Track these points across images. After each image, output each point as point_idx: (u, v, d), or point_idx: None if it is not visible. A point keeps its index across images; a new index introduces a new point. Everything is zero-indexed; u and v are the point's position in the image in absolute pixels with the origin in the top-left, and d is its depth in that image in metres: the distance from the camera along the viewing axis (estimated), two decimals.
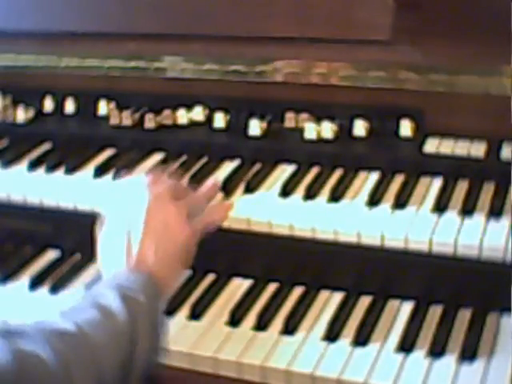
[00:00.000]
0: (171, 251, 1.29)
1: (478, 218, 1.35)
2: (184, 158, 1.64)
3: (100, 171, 1.61)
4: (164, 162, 1.63)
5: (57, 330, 1.11)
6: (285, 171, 1.56)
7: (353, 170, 1.52)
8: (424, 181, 1.48)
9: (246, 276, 1.50)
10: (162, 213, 1.31)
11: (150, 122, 1.70)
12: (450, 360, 1.25)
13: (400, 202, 1.40)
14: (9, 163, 1.70)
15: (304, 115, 1.61)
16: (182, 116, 1.70)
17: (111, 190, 1.48)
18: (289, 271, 1.47)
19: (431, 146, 1.52)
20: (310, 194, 1.45)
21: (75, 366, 1.07)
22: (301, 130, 1.59)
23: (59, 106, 1.82)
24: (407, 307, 1.39)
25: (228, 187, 1.50)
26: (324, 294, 1.44)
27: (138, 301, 1.18)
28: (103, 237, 1.33)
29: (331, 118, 1.58)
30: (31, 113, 1.82)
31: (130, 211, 1.32)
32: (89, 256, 1.55)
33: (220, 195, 1.48)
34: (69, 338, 1.10)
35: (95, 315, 1.15)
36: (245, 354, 1.30)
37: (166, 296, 1.27)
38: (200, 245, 1.40)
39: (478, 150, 1.49)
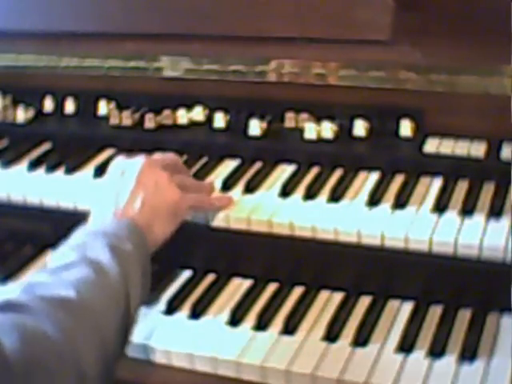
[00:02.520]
0: (158, 206, 1.31)
1: (478, 218, 1.35)
2: (184, 158, 1.64)
3: (100, 171, 1.61)
4: None
5: (56, 298, 1.11)
6: (285, 171, 1.56)
7: (353, 170, 1.52)
8: (424, 181, 1.48)
9: (245, 276, 1.49)
10: (153, 174, 1.34)
11: (149, 121, 1.70)
12: (449, 360, 1.25)
13: (400, 202, 1.40)
14: (9, 163, 1.70)
15: (304, 115, 1.61)
16: (182, 116, 1.70)
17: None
18: (289, 271, 1.47)
19: (431, 146, 1.52)
20: (310, 194, 1.46)
21: (80, 338, 1.08)
22: (301, 130, 1.59)
23: (59, 106, 1.82)
24: (407, 307, 1.39)
25: (228, 187, 1.50)
26: (324, 294, 1.44)
27: (126, 250, 1.20)
28: (97, 196, 1.36)
29: (331, 118, 1.58)
30: (31, 113, 1.82)
31: (124, 174, 1.34)
32: None
33: (220, 195, 1.48)
34: (70, 309, 1.10)
35: (89, 274, 1.15)
36: (245, 354, 1.30)
37: (152, 247, 1.28)
38: (200, 245, 1.41)
39: (477, 149, 1.49)
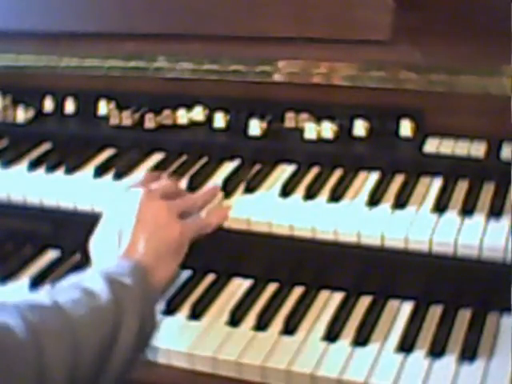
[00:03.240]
0: (161, 246, 1.29)
1: (478, 217, 1.35)
2: (184, 158, 1.64)
3: (100, 171, 1.61)
4: (164, 162, 1.63)
5: (31, 302, 1.11)
6: (285, 171, 1.56)
7: (353, 170, 1.52)
8: (424, 181, 1.48)
9: (246, 276, 1.49)
10: (152, 209, 1.32)
11: (150, 121, 1.70)
12: (449, 360, 1.25)
13: (400, 202, 1.40)
14: (9, 163, 1.70)
15: (304, 115, 1.61)
16: (182, 116, 1.70)
17: (110, 192, 1.49)
18: (289, 271, 1.47)
19: (431, 146, 1.52)
20: (310, 194, 1.45)
21: (47, 336, 1.06)
22: (301, 130, 1.59)
23: (59, 106, 1.82)
24: (407, 307, 1.39)
25: (228, 187, 1.50)
26: (324, 294, 1.44)
27: (124, 283, 1.17)
28: (95, 236, 1.34)
29: (331, 118, 1.58)
30: (31, 113, 1.82)
31: (122, 210, 1.32)
32: (89, 256, 1.55)
33: (220, 195, 1.48)
34: (42, 310, 1.09)
35: (76, 294, 1.14)
36: (245, 354, 1.30)
37: (156, 287, 1.25)
38: (200, 245, 1.41)
39: (477, 149, 1.49)
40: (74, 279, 1.21)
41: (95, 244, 1.33)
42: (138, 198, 1.33)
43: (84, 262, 1.58)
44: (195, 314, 1.40)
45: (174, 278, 1.33)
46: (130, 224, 1.29)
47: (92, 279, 1.18)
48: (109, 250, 1.29)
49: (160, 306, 1.43)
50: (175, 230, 1.31)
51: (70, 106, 1.81)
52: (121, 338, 1.14)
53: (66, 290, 1.16)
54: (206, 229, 1.40)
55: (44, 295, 1.14)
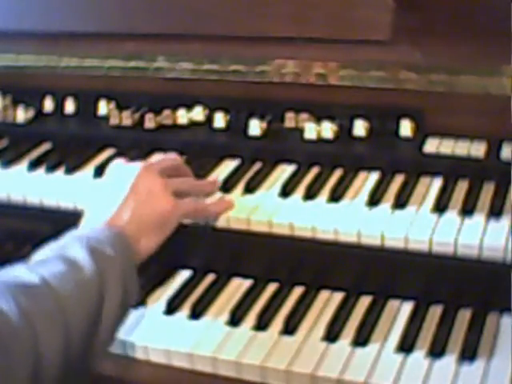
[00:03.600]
0: (147, 218, 1.30)
1: (478, 218, 1.35)
2: (184, 158, 1.64)
3: (100, 171, 1.61)
4: None
5: (21, 283, 1.11)
6: (285, 171, 1.56)
7: (353, 170, 1.52)
8: (424, 181, 1.48)
9: (246, 276, 1.49)
10: (147, 181, 1.33)
11: (150, 121, 1.70)
12: (449, 360, 1.25)
13: (400, 202, 1.40)
14: (9, 163, 1.70)
15: (304, 115, 1.61)
16: (182, 116, 1.70)
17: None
18: (289, 271, 1.47)
19: (431, 146, 1.52)
20: (310, 194, 1.46)
21: (40, 321, 1.07)
22: (301, 130, 1.59)
23: (59, 106, 1.82)
24: (407, 307, 1.39)
25: (228, 187, 1.50)
26: (324, 294, 1.44)
27: (107, 254, 1.19)
28: (92, 200, 1.36)
29: (331, 118, 1.58)
30: (31, 113, 1.82)
31: (119, 180, 1.34)
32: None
33: (220, 195, 1.48)
34: (33, 291, 1.10)
35: (61, 267, 1.15)
36: (245, 354, 1.30)
37: (137, 258, 1.27)
38: (200, 245, 1.41)
39: (477, 149, 1.49)
40: (55, 246, 1.21)
41: (89, 207, 1.35)
42: (137, 170, 1.34)
43: None
44: (195, 314, 1.40)
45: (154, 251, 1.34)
46: (122, 193, 1.31)
47: (74, 248, 1.19)
48: (97, 214, 1.31)
49: (160, 305, 1.44)
50: (165, 205, 1.32)
51: (69, 106, 1.81)
52: (105, 310, 1.16)
53: (50, 263, 1.16)
54: (202, 212, 1.41)
55: (31, 272, 1.14)
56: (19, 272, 1.14)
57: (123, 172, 1.36)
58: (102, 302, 1.16)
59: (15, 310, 1.05)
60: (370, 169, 1.53)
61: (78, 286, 1.14)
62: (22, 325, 1.05)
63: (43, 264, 1.17)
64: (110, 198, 1.32)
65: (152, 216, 1.31)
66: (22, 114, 1.81)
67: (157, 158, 1.45)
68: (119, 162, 1.42)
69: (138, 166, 1.36)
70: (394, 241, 1.33)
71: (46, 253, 1.21)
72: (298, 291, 1.45)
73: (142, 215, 1.30)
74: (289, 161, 1.58)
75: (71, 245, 1.20)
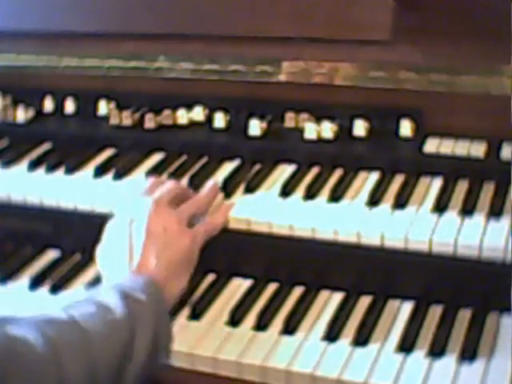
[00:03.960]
0: (173, 257, 1.29)
1: (478, 217, 1.35)
2: (184, 157, 1.64)
3: (100, 171, 1.61)
4: (164, 162, 1.63)
5: (48, 318, 1.12)
6: (285, 171, 1.56)
7: (353, 170, 1.52)
8: (424, 181, 1.48)
9: (245, 276, 1.49)
10: (162, 220, 1.32)
11: (149, 122, 1.70)
12: (449, 360, 1.25)
13: (400, 202, 1.40)
14: (9, 163, 1.70)
15: (304, 115, 1.61)
16: (182, 116, 1.70)
17: (111, 192, 1.49)
18: (289, 271, 1.47)
19: (431, 145, 1.52)
20: (310, 194, 1.45)
21: (65, 351, 1.07)
22: (301, 130, 1.59)
23: (59, 105, 1.82)
24: (407, 307, 1.39)
25: (228, 187, 1.50)
26: (324, 294, 1.44)
27: (138, 299, 1.18)
28: (104, 246, 1.34)
29: (331, 118, 1.58)
30: (31, 113, 1.82)
31: (130, 220, 1.32)
32: (89, 256, 1.55)
33: (220, 195, 1.48)
34: (59, 324, 1.10)
35: (91, 309, 1.15)
36: (245, 354, 1.30)
37: (170, 301, 1.26)
38: (201, 247, 1.40)
39: (477, 149, 1.49)
40: (88, 294, 1.22)
41: (104, 254, 1.34)
42: (147, 208, 1.33)
43: (84, 262, 1.59)
44: (195, 314, 1.40)
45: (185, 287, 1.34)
46: (140, 236, 1.30)
47: (106, 294, 1.19)
48: (119, 262, 1.29)
49: None
50: (186, 241, 1.32)
51: (69, 106, 1.81)
52: (135, 352, 1.15)
53: (80, 305, 1.17)
54: (213, 231, 1.41)
55: (60, 311, 1.14)
56: (48, 312, 1.15)
57: (132, 212, 1.34)
58: (132, 343, 1.14)
59: (40, 340, 1.06)
60: (370, 169, 1.53)
61: (107, 325, 1.14)
62: (46, 353, 1.06)
63: (74, 305, 1.17)
64: (126, 248, 1.29)
65: (177, 256, 1.30)
66: (22, 114, 1.81)
67: (159, 192, 1.40)
68: (127, 205, 1.38)
69: (146, 205, 1.33)
70: (394, 241, 1.33)
71: (79, 297, 1.21)
72: (297, 291, 1.45)
73: (168, 257, 1.29)
74: (289, 161, 1.58)
75: (103, 291, 1.20)
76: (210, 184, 1.48)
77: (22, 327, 1.07)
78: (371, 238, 1.34)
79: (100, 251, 1.35)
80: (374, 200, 1.42)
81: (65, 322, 1.11)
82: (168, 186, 1.42)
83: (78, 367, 1.08)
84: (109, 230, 1.36)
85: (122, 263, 1.29)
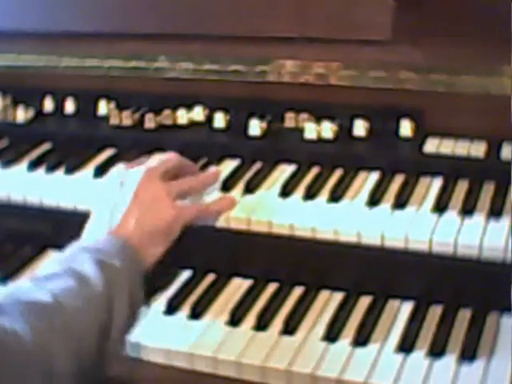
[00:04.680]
0: (153, 226, 1.30)
1: (478, 218, 1.35)
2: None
3: (100, 171, 1.61)
4: None
5: (33, 301, 1.11)
6: (285, 171, 1.56)
7: (353, 170, 1.52)
8: (424, 181, 1.48)
9: (245, 276, 1.49)
10: (151, 188, 1.33)
11: (149, 122, 1.70)
12: (449, 360, 1.25)
13: (400, 202, 1.40)
14: (9, 163, 1.70)
15: (304, 115, 1.61)
16: (182, 116, 1.70)
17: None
18: (289, 271, 1.47)
19: (431, 145, 1.52)
20: (310, 194, 1.45)
21: (52, 339, 1.08)
22: (301, 130, 1.59)
23: (59, 105, 1.82)
24: (407, 307, 1.39)
25: (228, 187, 1.50)
26: (324, 294, 1.44)
27: (114, 266, 1.19)
28: (95, 206, 1.35)
29: (331, 118, 1.58)
30: (31, 113, 1.82)
31: (123, 184, 1.34)
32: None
33: (220, 194, 1.48)
34: (44, 310, 1.10)
35: (70, 283, 1.15)
36: (245, 354, 1.30)
37: (144, 266, 1.27)
38: (200, 245, 1.41)
39: (477, 149, 1.49)
40: (65, 258, 1.22)
41: (92, 215, 1.34)
42: (139, 176, 1.33)
43: None
44: (195, 314, 1.40)
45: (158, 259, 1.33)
46: (125, 200, 1.31)
47: (83, 260, 1.19)
48: (101, 219, 1.31)
49: (160, 305, 1.44)
50: (169, 213, 1.32)
51: (69, 106, 1.81)
52: (114, 321, 1.16)
53: (60, 277, 1.16)
54: (205, 214, 1.41)
55: (40, 288, 1.14)
56: (29, 288, 1.14)
57: (125, 178, 1.35)
58: (111, 314, 1.16)
59: (28, 330, 1.06)
60: (370, 169, 1.53)
61: (87, 301, 1.15)
62: (34, 344, 1.06)
63: (52, 279, 1.17)
64: (112, 205, 1.31)
65: (157, 224, 1.30)
66: (22, 114, 1.81)
67: (156, 158, 1.42)
68: (120, 168, 1.41)
69: (139, 171, 1.35)
70: (394, 241, 1.33)
71: (53, 266, 1.20)
72: (297, 291, 1.45)
73: (148, 223, 1.29)
74: (289, 161, 1.58)
75: (79, 258, 1.20)
76: (211, 169, 1.49)
77: (9, 318, 1.07)
78: (371, 238, 1.34)
79: (93, 208, 1.36)
80: (374, 200, 1.42)
81: (49, 306, 1.11)
82: (166, 157, 1.43)
83: (65, 353, 1.09)
84: (101, 188, 1.38)
85: (103, 220, 1.30)
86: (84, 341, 1.12)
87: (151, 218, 1.30)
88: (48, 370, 1.07)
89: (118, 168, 1.42)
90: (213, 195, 1.47)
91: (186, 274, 1.52)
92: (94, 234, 1.30)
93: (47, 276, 1.17)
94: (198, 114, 1.69)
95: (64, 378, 1.09)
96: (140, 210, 1.30)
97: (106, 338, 1.15)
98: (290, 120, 1.62)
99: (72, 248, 1.25)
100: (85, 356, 1.12)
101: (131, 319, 1.21)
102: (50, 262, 1.22)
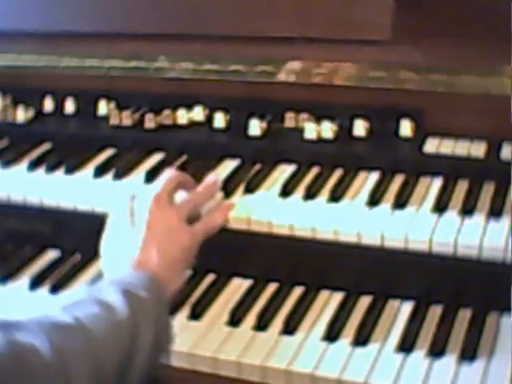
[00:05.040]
0: (173, 254, 1.30)
1: (478, 218, 1.35)
2: (184, 158, 1.64)
3: (100, 171, 1.61)
4: (164, 162, 1.63)
5: (54, 321, 1.11)
6: (285, 171, 1.56)
7: (353, 170, 1.52)
8: (424, 181, 1.48)
9: (245, 276, 1.49)
10: (162, 216, 1.32)
11: (149, 122, 1.70)
12: (450, 360, 1.25)
13: (400, 202, 1.40)
14: (9, 163, 1.70)
15: (304, 115, 1.61)
16: (182, 116, 1.70)
17: (113, 193, 1.49)
18: (289, 271, 1.47)
19: (431, 145, 1.52)
20: (310, 194, 1.45)
21: (71, 357, 1.07)
22: (301, 130, 1.59)
23: (59, 105, 1.82)
24: (407, 307, 1.39)
25: (228, 187, 1.50)
26: (324, 294, 1.44)
27: (140, 296, 1.19)
28: (106, 237, 1.34)
29: (331, 118, 1.58)
30: (31, 113, 1.82)
31: (132, 215, 1.33)
32: (89, 256, 1.55)
33: (220, 195, 1.48)
34: (65, 329, 1.10)
35: (95, 309, 1.15)
36: (245, 354, 1.30)
37: (169, 298, 1.26)
38: (200, 245, 1.40)
39: (477, 149, 1.49)
40: (90, 290, 1.22)
41: (106, 248, 1.34)
42: (148, 205, 1.33)
43: (84, 262, 1.59)
44: (195, 314, 1.40)
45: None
46: (140, 233, 1.30)
47: (108, 291, 1.19)
48: (120, 257, 1.30)
49: None
50: (186, 238, 1.32)
51: (69, 106, 1.81)
52: (137, 352, 1.15)
53: (84, 305, 1.17)
54: (213, 230, 1.41)
55: (64, 312, 1.14)
56: (54, 312, 1.14)
57: (134, 210, 1.34)
58: (136, 342, 1.15)
59: (47, 346, 1.06)
60: (370, 169, 1.53)
61: (110, 327, 1.14)
62: (53, 360, 1.05)
63: (77, 305, 1.17)
64: (127, 243, 1.30)
65: (177, 253, 1.30)
66: (22, 114, 1.81)
67: (160, 186, 1.39)
68: (128, 201, 1.37)
69: (148, 201, 1.33)
70: (394, 241, 1.33)
71: (79, 295, 1.21)
72: (297, 291, 1.45)
73: (168, 254, 1.29)
74: (289, 161, 1.58)
75: (106, 289, 1.20)
76: (210, 178, 1.48)
77: (29, 334, 1.07)
78: (371, 238, 1.34)
79: (102, 245, 1.35)
80: (374, 200, 1.42)
81: (71, 326, 1.11)
82: (167, 176, 1.41)
83: (84, 373, 1.08)
84: (110, 224, 1.36)
85: (122, 258, 1.29)
86: (105, 364, 1.11)
87: (171, 247, 1.30)
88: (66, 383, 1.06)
89: (124, 202, 1.37)
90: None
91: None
92: (115, 270, 1.29)
93: (72, 304, 1.17)
94: (198, 114, 1.69)
95: None
96: (158, 241, 1.29)
97: (128, 364, 1.14)
98: (289, 120, 1.62)
99: (101, 282, 1.25)
100: (104, 379, 1.11)
101: (157, 350, 1.19)
102: (76, 291, 1.22)
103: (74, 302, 1.18)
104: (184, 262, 1.32)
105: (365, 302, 1.40)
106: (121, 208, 1.36)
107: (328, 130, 1.57)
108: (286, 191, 1.47)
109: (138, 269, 1.27)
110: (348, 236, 1.36)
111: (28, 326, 1.08)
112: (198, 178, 1.53)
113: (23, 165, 1.69)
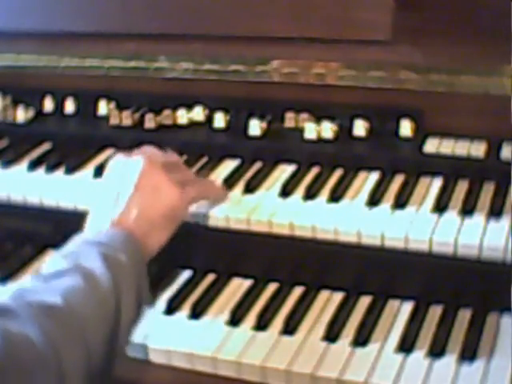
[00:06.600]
0: (157, 212, 1.29)
1: (478, 218, 1.35)
2: (184, 158, 1.64)
3: (100, 171, 1.61)
4: None
5: (43, 304, 1.11)
6: (285, 171, 1.56)
7: (353, 170, 1.52)
8: (424, 181, 1.48)
9: (245, 276, 1.50)
10: (152, 176, 1.32)
11: (149, 122, 1.70)
12: (450, 360, 1.25)
13: (400, 202, 1.40)
14: (9, 163, 1.70)
15: (304, 115, 1.61)
16: (182, 116, 1.70)
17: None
18: (289, 271, 1.47)
19: (431, 145, 1.52)
20: (310, 194, 1.46)
21: (64, 345, 1.08)
22: (301, 130, 1.59)
23: (59, 105, 1.82)
24: (407, 307, 1.39)
25: (228, 187, 1.50)
26: (324, 294, 1.44)
27: (120, 261, 1.19)
28: (96, 196, 1.35)
29: (331, 118, 1.58)
30: (31, 113, 1.82)
31: (122, 175, 1.33)
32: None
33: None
34: (55, 313, 1.10)
35: (79, 282, 1.15)
36: (245, 354, 1.30)
37: (148, 256, 1.27)
38: (200, 245, 1.41)
39: (477, 149, 1.49)
40: (69, 252, 1.21)
41: (93, 206, 1.34)
42: (140, 165, 1.33)
43: None
44: (195, 314, 1.40)
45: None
46: (127, 189, 1.30)
47: (89, 256, 1.18)
48: (104, 214, 1.30)
49: (160, 305, 1.44)
50: (172, 196, 1.31)
51: (69, 106, 1.81)
52: (122, 319, 1.16)
53: (68, 275, 1.16)
54: (206, 195, 1.42)
55: (51, 291, 1.13)
56: (38, 288, 1.14)
57: (125, 167, 1.34)
58: (119, 312, 1.16)
59: (40, 336, 1.06)
60: (370, 169, 1.53)
61: (97, 302, 1.14)
62: (46, 349, 1.06)
63: (60, 277, 1.16)
64: (114, 194, 1.31)
65: (161, 210, 1.30)
66: (22, 114, 1.81)
67: (151, 147, 1.42)
68: (120, 158, 1.39)
69: (140, 159, 1.34)
70: (394, 241, 1.33)
71: (60, 262, 1.20)
72: (297, 291, 1.45)
73: (151, 211, 1.29)
74: (289, 161, 1.58)
75: (86, 252, 1.20)
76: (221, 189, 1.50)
77: (21, 323, 1.07)
78: (371, 238, 1.34)
79: (93, 197, 1.36)
80: (374, 200, 1.42)
81: (61, 310, 1.11)
82: (168, 153, 1.43)
83: (76, 357, 1.09)
84: (103, 179, 1.38)
85: (105, 212, 1.29)
86: (94, 342, 1.12)
87: (154, 205, 1.29)
88: (60, 372, 1.07)
89: (117, 158, 1.40)
90: None
91: (186, 274, 1.52)
92: (96, 226, 1.29)
93: (55, 274, 1.17)
94: (198, 114, 1.69)
95: (75, 380, 1.08)
96: (142, 198, 1.29)
97: (114, 338, 1.15)
98: (289, 120, 1.62)
99: (76, 241, 1.24)
100: (95, 357, 1.12)
101: (137, 314, 1.21)
102: (56, 257, 1.21)
103: (57, 272, 1.17)
104: (167, 220, 1.30)
105: (365, 302, 1.40)
106: (114, 170, 1.37)
107: (328, 129, 1.57)
108: (286, 191, 1.47)
109: (116, 226, 1.26)
110: (348, 236, 1.36)
111: (19, 313, 1.08)
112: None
113: (23, 165, 1.69)
